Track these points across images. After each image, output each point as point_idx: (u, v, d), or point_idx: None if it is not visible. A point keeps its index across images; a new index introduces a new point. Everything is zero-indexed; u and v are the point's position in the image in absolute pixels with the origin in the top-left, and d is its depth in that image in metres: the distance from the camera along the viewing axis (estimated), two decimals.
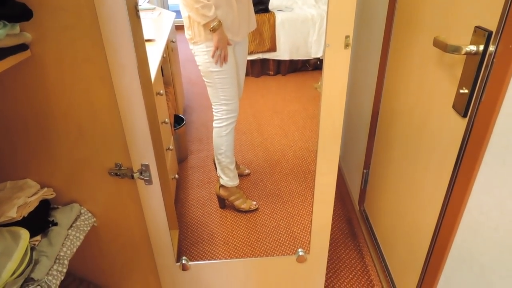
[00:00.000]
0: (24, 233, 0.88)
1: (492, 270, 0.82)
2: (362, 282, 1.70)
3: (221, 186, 1.97)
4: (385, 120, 1.55)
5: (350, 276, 1.73)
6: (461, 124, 0.91)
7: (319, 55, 3.57)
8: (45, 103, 0.94)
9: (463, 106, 0.89)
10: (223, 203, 2.02)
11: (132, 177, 1.02)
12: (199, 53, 1.66)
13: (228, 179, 1.93)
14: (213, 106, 1.79)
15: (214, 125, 1.83)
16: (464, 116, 0.90)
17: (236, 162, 2.19)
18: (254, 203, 2.00)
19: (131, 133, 0.97)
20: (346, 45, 0.88)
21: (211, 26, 1.53)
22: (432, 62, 1.08)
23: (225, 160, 1.88)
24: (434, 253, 1.09)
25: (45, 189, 1.03)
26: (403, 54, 1.32)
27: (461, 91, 0.89)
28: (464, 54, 0.86)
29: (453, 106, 0.95)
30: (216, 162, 1.92)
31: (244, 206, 1.98)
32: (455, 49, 0.86)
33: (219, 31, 1.55)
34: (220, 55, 1.61)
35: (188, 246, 1.81)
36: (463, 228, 0.94)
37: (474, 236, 0.89)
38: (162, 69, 2.24)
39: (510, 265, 0.76)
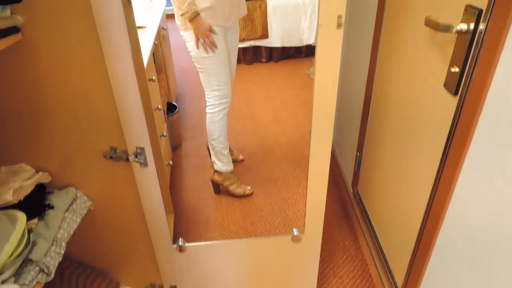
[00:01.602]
0: (21, 216, 0.88)
1: (483, 245, 0.85)
2: (356, 262, 1.73)
3: (215, 171, 1.98)
4: (378, 102, 1.56)
5: (344, 256, 1.77)
6: (452, 102, 0.93)
7: (311, 42, 3.57)
8: (38, 87, 0.94)
9: (454, 85, 0.91)
10: (218, 188, 2.04)
11: (128, 160, 1.03)
12: (189, 39, 1.65)
13: (222, 164, 1.95)
14: (205, 92, 1.80)
15: (207, 111, 1.83)
16: (455, 94, 0.91)
17: (230, 148, 2.20)
18: (249, 187, 2.02)
19: (125, 116, 0.97)
20: (339, 25, 0.89)
21: (187, 16, 1.54)
22: (424, 42, 1.09)
23: (219, 145, 1.89)
24: (426, 230, 1.12)
25: (41, 173, 1.03)
26: (396, 35, 1.33)
27: (452, 69, 0.91)
28: (455, 33, 0.87)
29: (445, 85, 0.96)
30: (210, 147, 1.93)
31: (239, 190, 1.99)
32: (447, 28, 0.87)
33: (195, 20, 1.55)
34: (205, 43, 1.61)
35: (184, 231, 1.82)
36: (454, 204, 0.96)
37: (464, 212, 0.91)
38: (153, 56, 2.22)
39: (500, 238, 0.78)
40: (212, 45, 1.62)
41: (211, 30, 1.59)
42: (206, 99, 1.81)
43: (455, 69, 0.89)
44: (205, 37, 1.59)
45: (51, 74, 0.91)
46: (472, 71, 0.84)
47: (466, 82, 0.86)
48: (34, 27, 0.86)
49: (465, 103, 0.87)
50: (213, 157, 1.95)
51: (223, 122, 1.85)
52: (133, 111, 0.96)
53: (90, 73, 0.92)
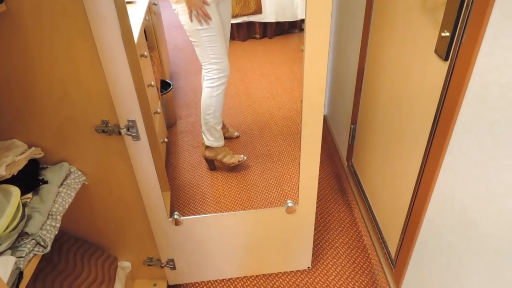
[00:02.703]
0: (15, 190, 0.89)
1: (472, 206, 0.86)
2: (351, 233, 1.77)
3: (207, 147, 1.98)
4: (371, 74, 1.55)
5: (340, 228, 1.80)
6: (443, 67, 0.93)
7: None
8: (25, 60, 0.92)
9: (444, 50, 0.90)
10: (213, 165, 2.05)
11: (120, 133, 1.03)
12: (182, 12, 1.62)
13: (214, 139, 1.95)
14: (203, 67, 1.78)
15: (205, 85, 1.82)
16: (446, 59, 0.91)
17: (225, 125, 2.20)
18: (242, 156, 2.02)
19: (115, 88, 0.96)
20: None
21: None
22: (415, 9, 1.07)
23: (213, 120, 1.89)
24: (417, 197, 1.14)
25: (33, 148, 1.03)
26: (387, 3, 1.31)
27: (443, 34, 0.90)
28: None
29: (435, 51, 0.96)
30: (203, 122, 1.93)
31: (233, 160, 2.00)
32: None
33: None
34: (198, 15, 1.58)
35: (180, 207, 1.84)
36: (444, 169, 0.98)
37: (455, 176, 0.92)
38: (145, 32, 2.19)
39: (487, 200, 0.80)
40: (206, 17, 1.59)
41: (203, 1, 1.56)
42: (205, 73, 1.79)
43: (446, 34, 0.88)
44: (198, 9, 1.56)
45: (38, 46, 0.90)
46: (462, 35, 0.83)
47: (456, 46, 0.86)
48: None
49: (455, 67, 0.87)
50: (204, 132, 1.95)
51: (220, 97, 1.84)
52: (122, 82, 0.95)
53: (78, 45, 0.90)
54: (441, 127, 0.96)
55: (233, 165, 2.00)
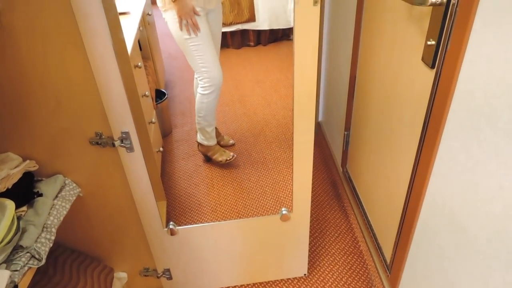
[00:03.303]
0: (10, 203, 0.90)
1: (462, 210, 0.87)
2: (347, 240, 1.77)
3: (199, 142, 2.05)
4: (362, 81, 1.57)
5: (336, 234, 1.81)
6: (430, 75, 0.95)
7: None
8: (20, 74, 0.93)
9: (431, 58, 0.92)
10: (207, 157, 2.12)
11: (113, 145, 1.04)
12: (170, 20, 1.65)
13: (204, 138, 2.03)
14: (196, 74, 1.81)
15: (198, 90, 1.86)
16: (432, 67, 0.93)
17: (220, 133, 2.22)
18: (232, 153, 2.07)
19: (108, 100, 0.97)
20: (315, 2, 0.89)
21: None
22: (402, 17, 1.09)
23: (203, 123, 1.96)
24: (409, 203, 1.15)
25: (28, 161, 1.04)
26: (376, 12, 1.33)
27: (429, 42, 0.92)
28: (430, 5, 0.88)
29: (422, 59, 0.97)
30: (196, 122, 1.98)
31: (222, 158, 2.06)
32: (421, 1, 0.88)
33: (179, 0, 1.54)
34: (188, 24, 1.61)
35: (177, 216, 1.85)
36: (434, 174, 0.99)
37: (445, 181, 0.94)
38: (139, 43, 2.21)
39: (478, 205, 0.81)
40: (195, 27, 1.61)
41: (194, 12, 1.59)
42: (198, 80, 1.82)
43: (431, 42, 0.90)
44: (188, 18, 1.59)
45: (31, 60, 0.91)
46: (447, 43, 0.85)
47: (442, 54, 0.88)
48: (11, 13, 0.86)
49: (442, 75, 0.88)
50: (198, 130, 2.01)
51: (211, 104, 1.88)
52: (115, 94, 0.97)
53: (71, 57, 0.92)
54: (430, 133, 0.97)
55: (222, 162, 2.05)
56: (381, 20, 1.28)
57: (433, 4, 0.86)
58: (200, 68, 1.75)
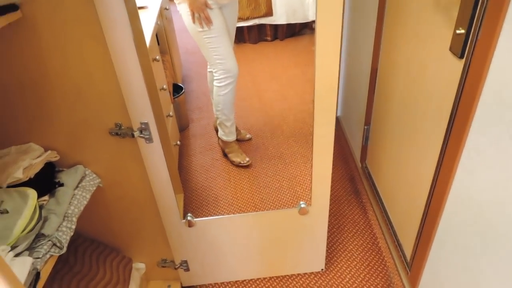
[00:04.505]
0: (32, 193, 0.91)
1: (490, 207, 0.84)
2: (366, 236, 1.74)
3: (218, 137, 2.04)
4: (384, 74, 1.54)
5: (354, 230, 1.78)
6: (458, 66, 0.91)
7: None
8: (40, 66, 0.94)
9: (459, 47, 0.89)
10: (225, 153, 2.12)
11: (133, 135, 1.04)
12: (184, 13, 1.65)
13: (223, 133, 2.02)
14: (211, 66, 1.81)
15: (214, 83, 1.86)
16: (461, 57, 0.89)
17: (237, 128, 2.21)
18: (247, 159, 2.06)
19: (128, 91, 0.97)
20: None
21: None
22: (428, 6, 1.06)
23: (222, 116, 1.95)
24: (433, 199, 1.12)
25: (49, 151, 1.05)
26: (400, 2, 1.29)
27: (458, 31, 0.88)
28: None
29: (450, 49, 0.94)
30: (215, 115, 1.98)
31: (236, 159, 2.06)
32: None
33: None
34: (200, 18, 1.60)
35: (194, 209, 1.85)
36: (461, 170, 0.96)
37: (472, 176, 0.90)
38: (157, 37, 2.21)
39: (506, 202, 0.78)
40: (207, 20, 1.61)
41: (206, 5, 1.58)
42: (213, 72, 1.82)
43: (461, 31, 0.87)
44: (200, 12, 1.58)
45: (52, 51, 0.92)
46: (478, 32, 0.82)
47: (472, 44, 0.84)
48: (32, 4, 0.86)
49: (471, 65, 0.85)
50: (217, 125, 2.00)
51: (228, 96, 1.87)
52: (135, 85, 0.96)
53: (91, 49, 0.92)
54: (457, 126, 0.94)
55: (235, 163, 2.04)
56: (405, 10, 1.24)
57: None
58: (215, 60, 1.75)
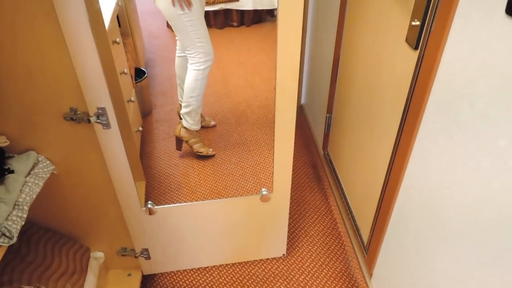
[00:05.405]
0: None
1: (438, 192, 0.89)
2: (326, 221, 1.79)
3: (183, 127, 2.00)
4: (345, 63, 1.56)
5: (315, 216, 1.82)
6: (413, 57, 0.94)
7: None
8: None
9: (414, 39, 0.92)
10: (180, 145, 2.06)
11: (89, 121, 1.00)
12: None
13: (193, 122, 1.97)
14: (189, 51, 1.77)
15: (191, 68, 1.82)
16: (416, 48, 0.92)
17: (201, 114, 2.18)
18: (211, 150, 2.05)
19: (83, 74, 0.93)
20: None
21: None
22: None
23: (196, 104, 1.91)
24: (388, 185, 1.16)
25: None
26: None
27: (413, 23, 0.91)
28: None
29: (406, 40, 0.97)
30: (184, 105, 1.94)
31: (203, 150, 2.03)
32: None
33: None
34: (181, 0, 1.56)
35: (156, 196, 1.82)
36: (413, 156, 1.00)
37: (424, 163, 0.94)
38: (118, 19, 2.13)
39: (454, 187, 0.82)
40: (188, 2, 1.58)
41: None
42: (190, 57, 1.79)
43: (416, 23, 0.89)
44: None
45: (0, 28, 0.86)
46: (431, 24, 0.85)
47: (426, 35, 0.87)
48: None
49: (425, 56, 0.88)
50: (184, 115, 1.96)
51: (205, 80, 1.87)
52: (91, 68, 0.92)
53: (42, 27, 0.87)
54: (410, 115, 0.97)
55: (199, 154, 2.02)
56: (367, 0, 1.26)
57: None
58: (196, 43, 1.72)
